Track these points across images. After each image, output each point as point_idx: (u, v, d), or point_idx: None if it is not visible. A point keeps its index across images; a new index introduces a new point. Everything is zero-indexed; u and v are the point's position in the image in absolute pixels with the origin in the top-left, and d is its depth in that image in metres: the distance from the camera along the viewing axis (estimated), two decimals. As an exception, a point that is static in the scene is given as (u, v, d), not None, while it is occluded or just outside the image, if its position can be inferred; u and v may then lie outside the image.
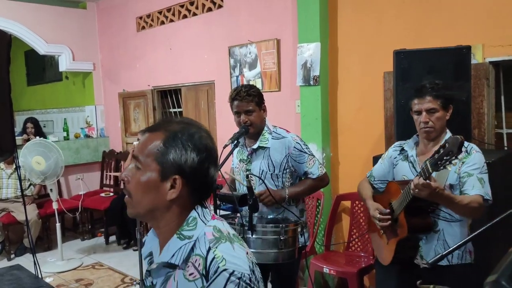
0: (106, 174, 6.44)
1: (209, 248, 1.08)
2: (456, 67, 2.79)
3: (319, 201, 3.93)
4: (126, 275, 4.63)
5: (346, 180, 3.95)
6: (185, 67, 5.39)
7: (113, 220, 5.61)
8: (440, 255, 1.45)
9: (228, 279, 1.03)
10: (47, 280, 4.38)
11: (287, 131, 2.70)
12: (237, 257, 1.08)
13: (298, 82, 4.01)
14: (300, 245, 2.51)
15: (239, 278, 1.04)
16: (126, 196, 1.17)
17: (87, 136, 6.61)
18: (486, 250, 2.25)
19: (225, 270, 1.04)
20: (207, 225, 1.14)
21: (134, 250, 5.36)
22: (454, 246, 1.36)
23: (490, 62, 3.10)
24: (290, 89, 4.28)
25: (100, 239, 5.86)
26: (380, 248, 2.44)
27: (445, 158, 1.85)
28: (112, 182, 6.36)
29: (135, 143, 5.33)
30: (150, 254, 1.22)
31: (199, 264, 1.07)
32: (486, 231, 1.55)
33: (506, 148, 3.18)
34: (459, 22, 3.22)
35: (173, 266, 1.12)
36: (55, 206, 4.89)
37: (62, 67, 6.38)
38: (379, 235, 2.43)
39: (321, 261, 3.58)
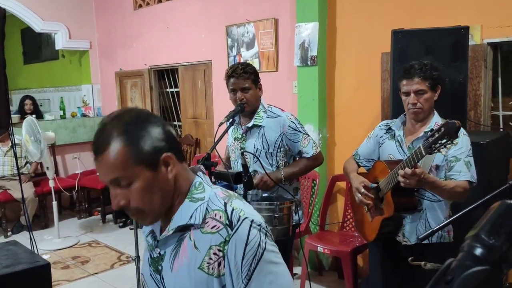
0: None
1: (225, 203, 1.13)
2: (454, 48, 2.78)
3: (314, 182, 3.95)
4: (122, 253, 4.66)
5: (342, 161, 3.89)
6: (182, 46, 5.35)
7: (109, 199, 5.62)
8: (431, 230, 1.47)
9: (251, 225, 1.09)
10: (44, 257, 4.40)
11: (282, 110, 2.70)
12: (251, 210, 1.16)
13: (295, 62, 3.99)
14: (294, 223, 2.53)
15: (259, 225, 1.11)
16: (136, 214, 1.13)
17: (83, 115, 6.60)
18: (465, 230, 2.29)
19: (246, 218, 1.10)
20: (212, 187, 1.19)
21: (131, 229, 5.38)
22: (446, 222, 1.38)
23: (488, 44, 3.09)
24: (287, 70, 4.26)
25: (97, 218, 5.90)
26: (363, 225, 2.49)
27: (440, 142, 1.87)
28: (109, 162, 6.35)
29: None
30: (152, 231, 1.23)
31: (220, 216, 1.11)
32: (479, 207, 1.56)
33: (501, 130, 3.18)
34: (458, 2, 3.19)
35: (187, 228, 1.14)
36: (51, 184, 4.90)
37: (59, 45, 6.33)
38: (362, 212, 2.47)
39: (316, 240, 3.61)
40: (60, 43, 6.27)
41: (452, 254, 2.29)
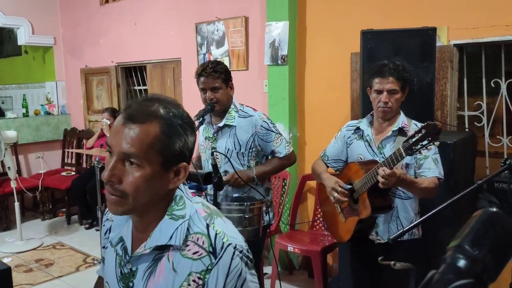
0: (67, 152, 6.27)
1: (207, 225, 1.08)
2: (422, 49, 2.82)
3: (285, 181, 3.94)
4: (88, 255, 4.54)
5: (313, 160, 3.95)
6: (151, 43, 5.25)
7: (75, 200, 5.48)
8: (401, 231, 1.48)
9: (234, 253, 1.05)
10: (5, 260, 4.25)
11: (254, 109, 2.67)
12: (232, 231, 1.10)
13: (266, 61, 3.97)
14: (265, 224, 2.51)
15: (241, 252, 1.07)
16: (114, 197, 1.05)
17: (47, 113, 6.39)
18: (432, 227, 2.34)
19: (230, 244, 1.05)
20: (193, 202, 1.12)
21: (97, 230, 5.26)
22: (417, 222, 1.39)
23: (455, 45, 3.15)
24: (258, 68, 4.24)
25: (62, 219, 5.72)
26: (335, 226, 2.48)
27: (421, 143, 1.89)
28: (73, 161, 6.19)
29: (105, 120, 5.16)
30: (121, 239, 1.16)
31: (203, 241, 1.05)
32: (449, 206, 1.59)
33: (467, 130, 3.26)
34: (426, 4, 3.24)
35: (165, 247, 1.08)
36: (13, 184, 4.72)
37: (21, 41, 6.10)
38: (334, 212, 2.46)
39: (286, 240, 3.61)
40: (23, 38, 6.04)
41: (421, 250, 2.33)
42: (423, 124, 1.94)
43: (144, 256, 1.10)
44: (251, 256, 1.10)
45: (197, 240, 1.05)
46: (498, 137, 3.23)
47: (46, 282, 3.97)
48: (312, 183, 3.99)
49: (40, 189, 5.57)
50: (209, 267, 1.03)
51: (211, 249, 1.04)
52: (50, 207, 5.80)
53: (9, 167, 4.73)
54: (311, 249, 3.46)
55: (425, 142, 1.89)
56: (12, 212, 5.05)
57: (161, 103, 1.07)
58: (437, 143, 1.88)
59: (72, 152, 6.20)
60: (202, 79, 2.53)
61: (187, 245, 1.05)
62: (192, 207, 1.10)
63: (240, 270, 1.05)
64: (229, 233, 1.07)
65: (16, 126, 5.70)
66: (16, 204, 4.76)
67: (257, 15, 4.20)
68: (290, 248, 3.52)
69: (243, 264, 1.06)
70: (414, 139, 1.92)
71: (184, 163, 1.07)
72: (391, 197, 2.28)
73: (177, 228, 1.06)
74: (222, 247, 1.04)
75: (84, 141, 5.93)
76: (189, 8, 4.78)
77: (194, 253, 1.04)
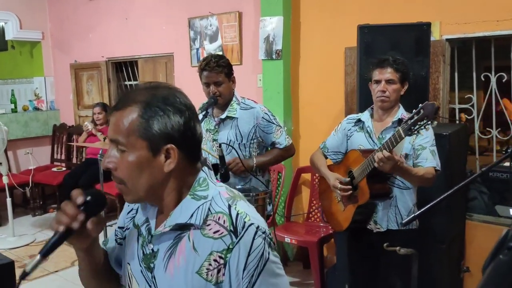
0: (57, 147, 6.21)
1: (229, 206, 1.07)
2: (417, 43, 2.90)
3: (280, 174, 4.00)
4: (82, 250, 4.53)
5: (307, 153, 3.96)
6: (142, 38, 5.25)
7: (67, 196, 5.43)
8: (413, 215, 1.55)
9: (256, 233, 1.03)
10: (-1, 256, 4.22)
11: (255, 102, 2.73)
12: (255, 213, 1.09)
13: (260, 56, 4.02)
14: (266, 214, 2.56)
15: (264, 233, 1.05)
16: (118, 184, 1.08)
17: (36, 108, 6.33)
18: (429, 217, 2.42)
19: (252, 224, 1.04)
20: (217, 186, 1.12)
21: (89, 226, 5.25)
22: (428, 206, 1.46)
23: (447, 40, 3.24)
24: (252, 63, 4.28)
25: (52, 215, 5.69)
26: (334, 215, 2.54)
27: (419, 123, 1.96)
28: (63, 157, 6.15)
29: (86, 123, 5.19)
30: (147, 220, 1.17)
31: (224, 221, 1.05)
32: (448, 197, 1.66)
33: (458, 122, 3.36)
34: (419, -1, 3.33)
35: (186, 227, 1.07)
36: (5, 180, 4.68)
37: (9, 36, 6.01)
38: (333, 202, 2.52)
39: (282, 231, 3.67)
40: (10, 33, 5.95)
41: (417, 239, 2.41)
42: (421, 105, 1.99)
43: (165, 235, 1.09)
44: (273, 241, 1.08)
45: (219, 219, 1.05)
46: (487, 129, 3.34)
47: (42, 277, 3.95)
48: (307, 176, 4.06)
49: (30, 185, 5.53)
50: (230, 246, 1.02)
51: (232, 228, 1.03)
52: (41, 203, 5.76)
53: (0, 163, 4.69)
54: (308, 240, 3.53)
55: (423, 122, 1.95)
56: (3, 208, 5.02)
57: (149, 89, 1.09)
58: (435, 122, 1.95)
59: (61, 148, 6.16)
60: (205, 73, 2.57)
61: (208, 224, 1.05)
62: (215, 189, 1.10)
63: (262, 250, 1.02)
64: (252, 214, 1.06)
65: (4, 121, 5.60)
66: (8, 200, 4.72)
67: (251, 10, 4.23)
68: (287, 240, 3.59)
69: (266, 244, 1.04)
70: (412, 120, 1.98)
71: (171, 144, 1.05)
72: (390, 186, 2.35)
73: (198, 207, 1.06)
74: (243, 227, 1.03)
75: (75, 136, 5.91)
76: (181, 3, 4.79)
77: (215, 232, 1.04)
